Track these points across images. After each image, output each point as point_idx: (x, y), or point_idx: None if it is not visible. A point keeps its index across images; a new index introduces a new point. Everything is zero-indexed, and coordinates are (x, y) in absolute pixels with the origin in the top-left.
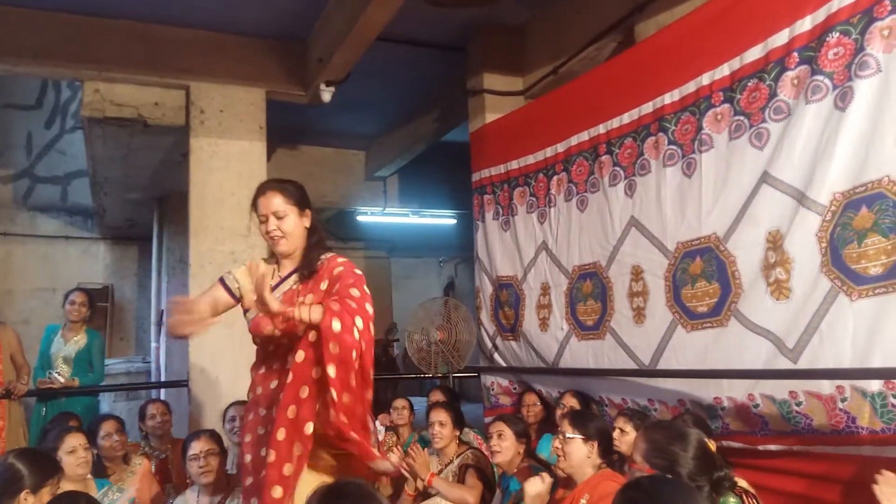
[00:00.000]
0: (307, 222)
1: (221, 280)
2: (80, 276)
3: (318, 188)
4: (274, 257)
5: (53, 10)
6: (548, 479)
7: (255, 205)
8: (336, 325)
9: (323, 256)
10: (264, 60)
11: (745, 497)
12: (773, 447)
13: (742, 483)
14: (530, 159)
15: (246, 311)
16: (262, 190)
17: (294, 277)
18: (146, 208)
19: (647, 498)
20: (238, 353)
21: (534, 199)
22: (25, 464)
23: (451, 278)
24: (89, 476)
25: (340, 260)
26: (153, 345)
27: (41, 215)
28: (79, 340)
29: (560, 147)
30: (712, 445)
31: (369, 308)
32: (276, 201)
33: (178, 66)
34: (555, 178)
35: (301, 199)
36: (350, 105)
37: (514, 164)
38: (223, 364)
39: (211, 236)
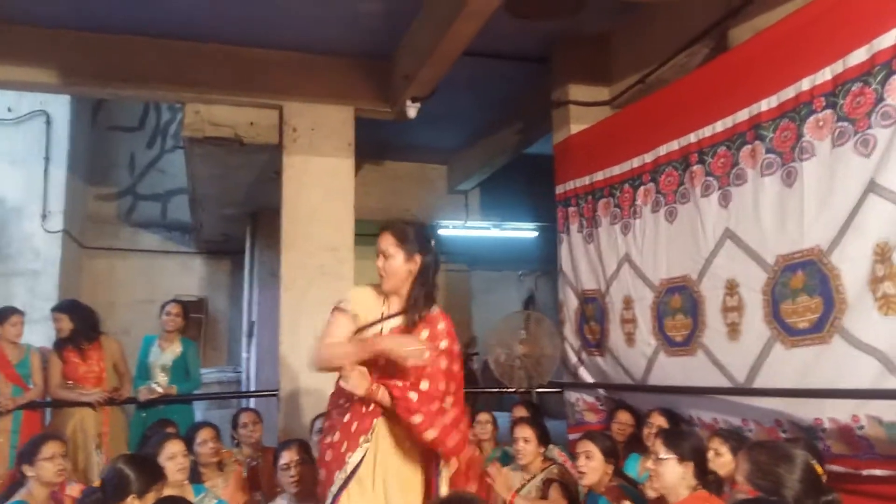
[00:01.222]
0: (414, 267)
1: (339, 308)
2: (177, 289)
3: (401, 202)
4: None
5: (154, 36)
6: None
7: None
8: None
9: (427, 309)
10: (352, 78)
11: None
12: (878, 472)
13: None
14: (616, 170)
15: (363, 330)
16: (381, 228)
17: (399, 319)
18: (240, 224)
19: None
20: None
21: (618, 210)
22: (133, 469)
23: (532, 292)
24: (186, 482)
25: (443, 324)
26: (244, 355)
27: (142, 231)
28: (175, 349)
29: (648, 157)
30: (819, 468)
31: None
32: (387, 240)
33: (270, 86)
34: (641, 188)
35: (411, 244)
36: (432, 119)
37: (599, 176)
38: (312, 375)
39: (302, 250)
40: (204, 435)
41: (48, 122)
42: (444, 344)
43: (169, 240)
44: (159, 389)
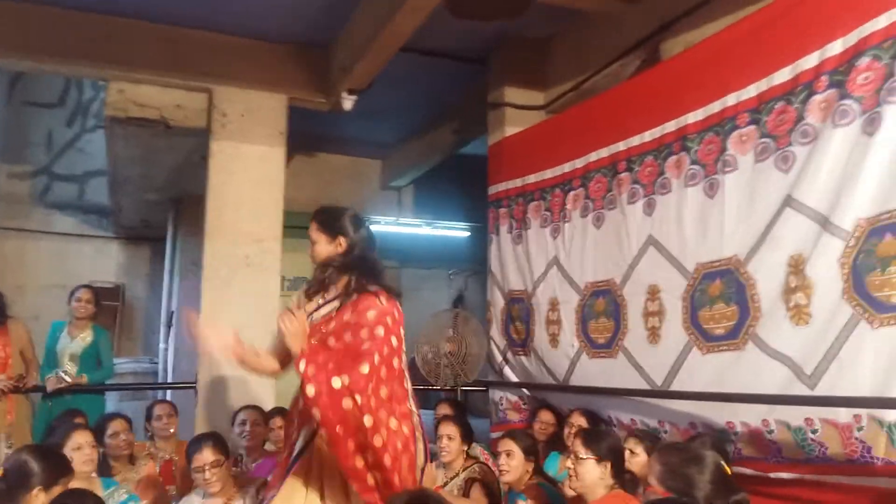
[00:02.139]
0: (339, 249)
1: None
2: (92, 275)
3: (334, 195)
4: None
5: (82, 9)
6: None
7: None
8: (310, 391)
9: (344, 284)
10: (287, 66)
11: None
12: (785, 475)
13: None
14: (548, 174)
15: None
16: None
17: (334, 303)
18: (162, 209)
19: None
20: None
21: (548, 214)
22: (38, 461)
23: (461, 291)
24: (94, 475)
25: (368, 303)
26: (161, 346)
27: (57, 213)
28: (85, 337)
29: (578, 163)
30: (728, 469)
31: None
32: (311, 227)
33: (201, 69)
34: (571, 193)
35: (333, 227)
36: (368, 113)
37: (531, 178)
38: (232, 368)
39: (226, 239)
40: (115, 426)
41: None
42: (369, 316)
43: (85, 223)
44: (68, 378)
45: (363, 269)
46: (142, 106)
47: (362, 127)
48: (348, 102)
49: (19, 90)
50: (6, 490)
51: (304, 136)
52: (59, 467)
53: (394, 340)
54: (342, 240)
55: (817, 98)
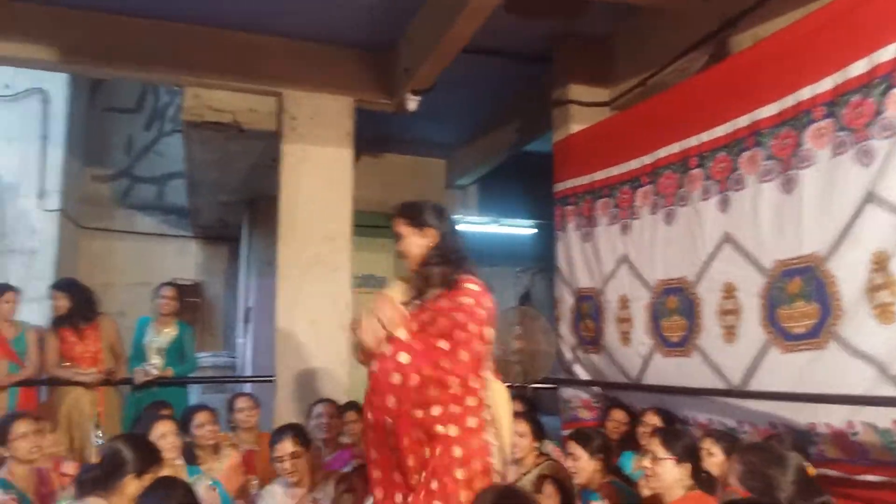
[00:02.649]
0: (429, 241)
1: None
2: (173, 273)
3: (399, 196)
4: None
5: (155, 17)
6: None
7: None
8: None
9: (442, 275)
10: (353, 69)
11: None
12: (872, 478)
13: None
14: (615, 171)
15: None
16: (393, 212)
17: (414, 303)
18: (237, 210)
19: None
20: (324, 350)
21: (616, 211)
22: (131, 449)
23: (528, 289)
24: (180, 463)
25: (467, 288)
26: (239, 340)
27: (139, 213)
28: (170, 332)
29: (647, 159)
30: (812, 470)
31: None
32: (397, 223)
33: (270, 73)
34: (640, 190)
35: (420, 219)
36: (432, 114)
37: (598, 175)
38: (308, 362)
39: (298, 239)
40: (201, 418)
41: (45, 101)
42: (459, 317)
43: (165, 223)
44: (155, 371)
45: (457, 258)
46: (216, 110)
47: (426, 127)
48: (412, 103)
49: (100, 97)
50: (102, 477)
51: (371, 138)
52: (150, 456)
53: (487, 331)
54: (432, 231)
55: None
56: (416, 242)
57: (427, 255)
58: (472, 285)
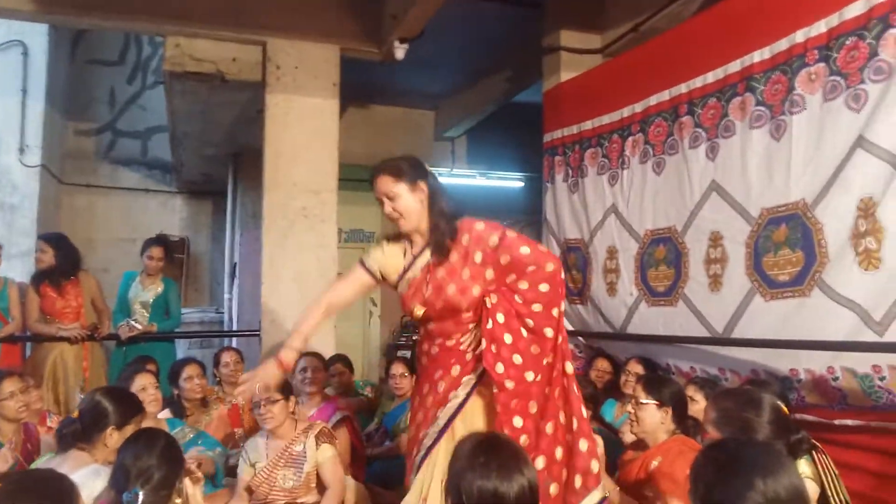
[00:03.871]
0: (423, 196)
1: (361, 263)
2: (158, 229)
3: (387, 148)
4: (399, 234)
5: None
6: (599, 442)
7: (373, 189)
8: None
9: (451, 231)
10: (338, 16)
11: (815, 454)
12: (850, 422)
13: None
14: (605, 119)
15: (397, 286)
16: (373, 174)
17: (425, 255)
18: (221, 164)
19: (730, 459)
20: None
21: (605, 161)
22: (111, 401)
23: None
24: (161, 416)
25: (479, 227)
26: (226, 296)
27: (122, 168)
28: (156, 288)
29: (637, 107)
30: (785, 408)
31: (549, 266)
32: (385, 182)
33: (255, 21)
34: (630, 139)
35: (410, 173)
36: (420, 63)
37: (587, 125)
38: (294, 316)
39: (284, 192)
40: (189, 371)
41: (25, 54)
42: (478, 256)
43: (149, 178)
44: (139, 326)
45: (454, 205)
46: (198, 60)
47: (414, 77)
48: (400, 51)
49: (82, 49)
50: (82, 430)
51: (357, 88)
52: (131, 407)
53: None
54: (423, 185)
55: (893, 32)
56: (410, 199)
57: (431, 210)
58: (479, 224)
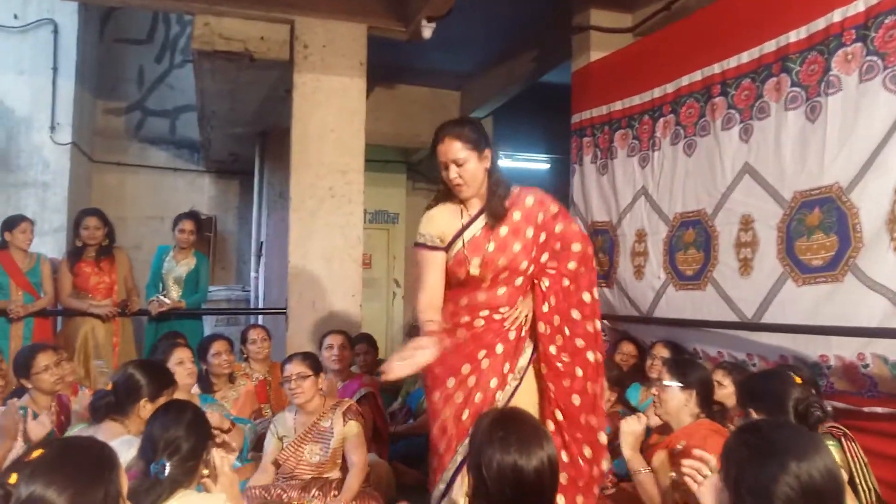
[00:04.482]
0: (487, 163)
1: (428, 247)
2: (186, 207)
3: (413, 127)
4: (447, 197)
5: None
6: (644, 419)
7: (434, 150)
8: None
9: (507, 197)
10: None
11: (843, 440)
12: (880, 409)
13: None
14: (636, 100)
15: (448, 248)
16: (440, 136)
17: (483, 218)
18: (249, 143)
19: (764, 441)
20: (335, 283)
21: (636, 143)
22: (144, 374)
23: None
24: (194, 391)
25: (531, 198)
26: (252, 275)
27: (151, 147)
28: (189, 263)
29: (669, 87)
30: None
31: (588, 249)
32: (455, 147)
33: (282, 0)
34: (661, 120)
35: (479, 141)
36: (447, 43)
37: (617, 106)
38: (320, 295)
39: (311, 172)
40: (218, 346)
41: (55, 32)
42: (541, 216)
43: (178, 157)
44: (167, 301)
45: (501, 174)
46: (227, 39)
47: (441, 57)
48: (427, 30)
49: (111, 27)
50: (115, 402)
51: (384, 68)
52: (163, 380)
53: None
54: (487, 152)
55: None
56: (479, 168)
57: (490, 177)
58: (539, 191)
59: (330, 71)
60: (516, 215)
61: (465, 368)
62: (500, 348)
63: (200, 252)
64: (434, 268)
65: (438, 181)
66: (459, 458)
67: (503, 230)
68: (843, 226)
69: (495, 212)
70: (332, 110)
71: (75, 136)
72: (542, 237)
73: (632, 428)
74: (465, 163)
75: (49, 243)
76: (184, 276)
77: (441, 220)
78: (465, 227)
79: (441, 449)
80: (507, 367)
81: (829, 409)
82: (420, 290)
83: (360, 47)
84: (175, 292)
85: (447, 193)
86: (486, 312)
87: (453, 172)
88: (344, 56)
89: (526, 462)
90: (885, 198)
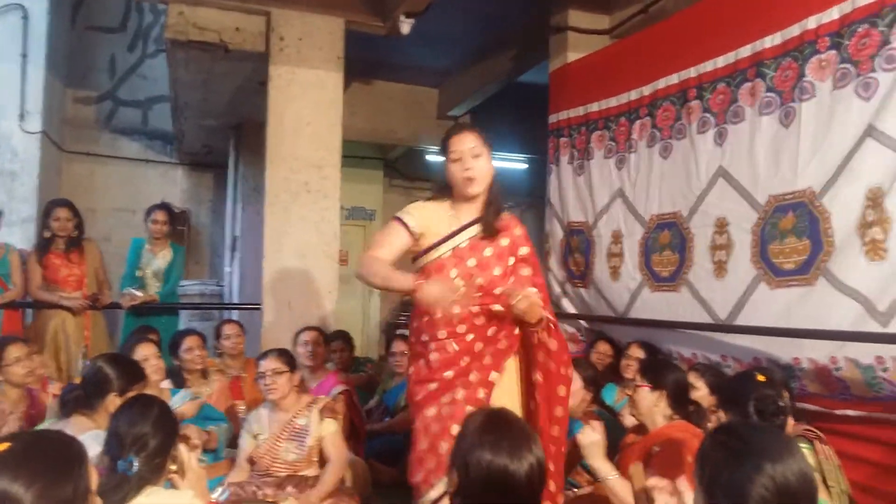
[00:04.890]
0: (492, 169)
1: (402, 222)
2: (158, 200)
3: (389, 124)
4: (443, 197)
5: None
6: (598, 426)
7: (445, 144)
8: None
9: (501, 207)
10: None
11: (816, 443)
12: (851, 412)
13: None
14: (612, 102)
15: (427, 251)
16: (456, 129)
17: (476, 228)
18: (223, 136)
19: (739, 443)
20: (310, 279)
21: (613, 144)
22: (113, 368)
23: None
24: (164, 386)
25: (519, 230)
26: (227, 269)
27: (123, 138)
28: (166, 255)
29: (646, 90)
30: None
31: None
32: (473, 139)
33: None
34: (637, 122)
35: (489, 144)
36: (425, 39)
37: (594, 107)
38: (295, 291)
39: (286, 166)
40: (190, 342)
41: (25, 17)
42: (524, 251)
43: (150, 149)
44: (139, 295)
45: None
46: (201, 29)
47: (419, 53)
48: (405, 26)
49: (82, 14)
50: (84, 396)
51: (361, 63)
52: (132, 374)
53: None
54: (491, 157)
55: None
56: (490, 167)
57: (491, 190)
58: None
59: (306, 64)
60: (504, 241)
61: (449, 372)
62: (487, 360)
63: (176, 243)
64: (396, 243)
65: (415, 178)
66: None
67: (488, 251)
68: (815, 230)
69: (490, 224)
70: (307, 104)
71: (45, 125)
72: (525, 272)
73: (590, 439)
74: (480, 156)
75: (17, 234)
76: (163, 268)
77: (432, 216)
78: (451, 235)
79: (432, 464)
80: (493, 375)
81: (786, 404)
82: (374, 247)
83: (337, 41)
84: (153, 286)
85: (446, 194)
86: (462, 328)
87: (469, 163)
88: (321, 49)
89: (517, 466)
90: (856, 203)
